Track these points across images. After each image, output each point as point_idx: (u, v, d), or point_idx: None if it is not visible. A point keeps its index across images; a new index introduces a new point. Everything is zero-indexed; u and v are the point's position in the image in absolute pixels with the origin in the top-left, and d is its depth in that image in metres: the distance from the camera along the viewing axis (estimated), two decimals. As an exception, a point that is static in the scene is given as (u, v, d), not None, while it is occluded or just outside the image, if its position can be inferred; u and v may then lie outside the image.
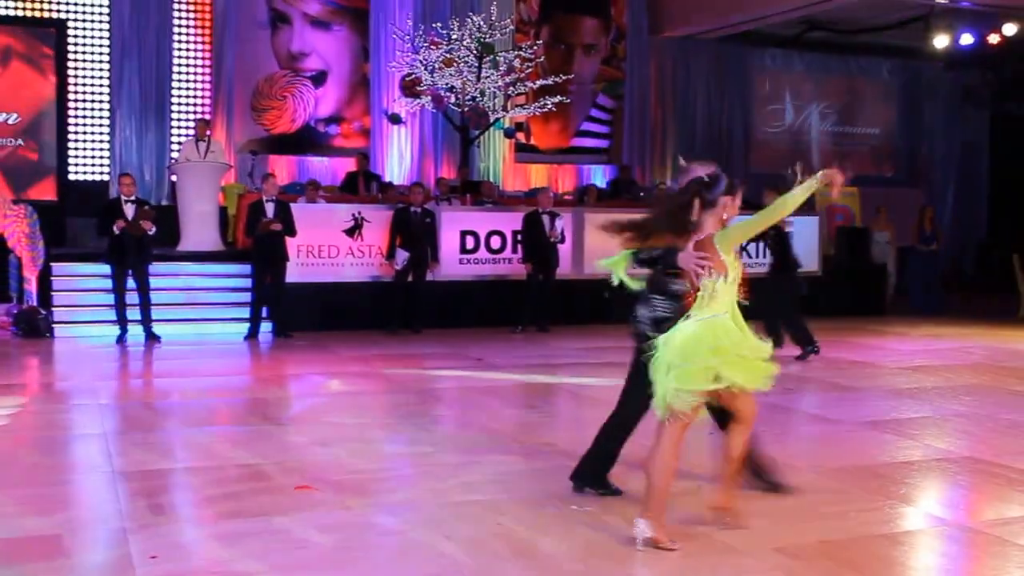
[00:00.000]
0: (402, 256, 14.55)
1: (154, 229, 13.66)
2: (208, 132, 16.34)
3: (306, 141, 19.58)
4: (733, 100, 22.70)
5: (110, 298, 13.96)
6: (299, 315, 14.36)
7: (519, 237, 15.34)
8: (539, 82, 18.74)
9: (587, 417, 9.53)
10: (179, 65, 18.59)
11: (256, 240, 14.10)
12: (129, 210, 13.57)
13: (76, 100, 17.99)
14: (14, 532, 5.74)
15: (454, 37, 18.17)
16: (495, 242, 15.68)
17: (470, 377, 11.35)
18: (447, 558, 5.26)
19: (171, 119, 18.48)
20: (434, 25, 18.51)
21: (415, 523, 5.83)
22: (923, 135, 24.87)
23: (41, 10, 17.83)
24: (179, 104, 18.60)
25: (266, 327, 14.27)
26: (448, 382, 11.27)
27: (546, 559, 5.25)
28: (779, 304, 12.25)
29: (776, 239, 12.23)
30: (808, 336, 12.45)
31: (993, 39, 20.33)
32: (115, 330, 13.71)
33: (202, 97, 18.66)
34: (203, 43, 18.73)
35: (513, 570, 5.11)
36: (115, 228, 13.42)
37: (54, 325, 14.03)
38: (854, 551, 5.38)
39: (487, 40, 18.19)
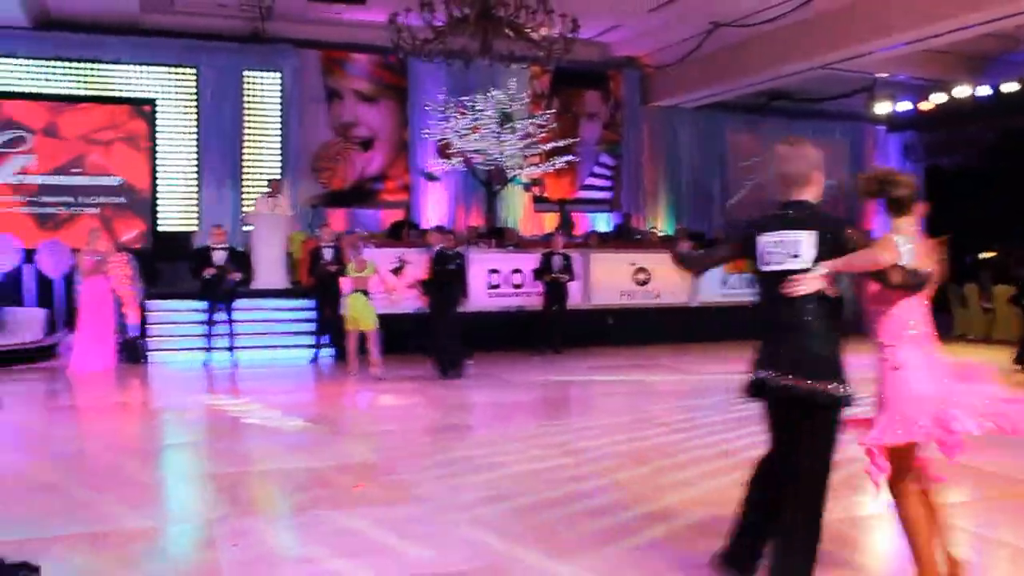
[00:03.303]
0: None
1: (240, 276, 13.76)
2: (276, 189, 16.35)
3: (357, 196, 19.59)
4: (712, 158, 22.62)
5: (197, 329, 13.97)
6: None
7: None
8: (551, 144, 18.75)
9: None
10: (251, 133, 18.61)
11: (317, 279, 14.10)
12: (218, 256, 13.64)
13: (165, 164, 18.04)
14: (119, 525, 5.76)
15: (479, 108, 18.22)
16: (516, 278, 15.68)
17: (496, 389, 11.30)
18: (465, 547, 5.20)
19: (243, 179, 18.45)
20: (462, 98, 18.56)
21: (438, 518, 5.79)
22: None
23: (137, 89, 17.93)
24: (251, 166, 18.59)
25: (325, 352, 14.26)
26: (481, 395, 11.21)
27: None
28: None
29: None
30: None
31: (925, 106, 20.59)
32: (201, 356, 13.72)
33: (271, 160, 18.66)
34: (272, 115, 18.75)
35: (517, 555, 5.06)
36: (205, 274, 13.51)
37: (150, 352, 14.05)
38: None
39: (507, 110, 18.23)
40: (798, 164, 4.19)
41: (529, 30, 15.53)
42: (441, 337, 12.30)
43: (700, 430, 8.85)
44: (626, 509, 6.03)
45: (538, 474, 6.99)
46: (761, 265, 4.20)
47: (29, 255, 15.54)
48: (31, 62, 17.27)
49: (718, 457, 7.59)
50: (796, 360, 4.03)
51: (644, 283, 16.74)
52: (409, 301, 13.39)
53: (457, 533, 5.51)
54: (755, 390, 4.18)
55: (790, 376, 4.02)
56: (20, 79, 17.27)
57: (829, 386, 4.00)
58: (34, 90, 17.33)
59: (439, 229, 14.18)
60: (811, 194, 4.18)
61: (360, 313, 12.31)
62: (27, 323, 14.12)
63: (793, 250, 4.07)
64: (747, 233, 4.26)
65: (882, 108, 21.44)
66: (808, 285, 4.01)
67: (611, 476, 6.92)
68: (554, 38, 15.70)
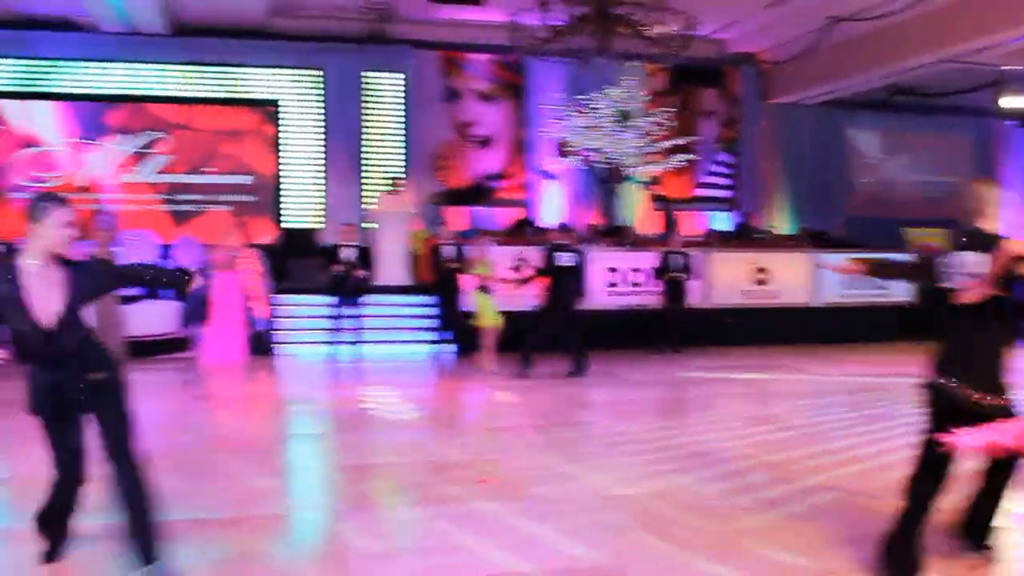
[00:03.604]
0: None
1: (365, 273, 13.88)
2: (400, 187, 16.52)
3: (475, 194, 19.69)
4: (832, 155, 22.08)
5: (322, 323, 14.16)
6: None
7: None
8: (668, 142, 18.53)
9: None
10: (373, 133, 18.87)
11: (438, 276, 14.17)
12: (347, 253, 13.80)
13: (291, 163, 18.48)
14: (249, 512, 5.89)
15: (597, 107, 18.11)
16: (635, 276, 15.51)
17: (614, 389, 11.18)
18: (596, 540, 5.13)
19: (366, 177, 18.73)
20: (579, 97, 18.47)
21: (564, 511, 5.72)
22: (997, 181, 23.83)
23: (264, 91, 18.42)
24: (373, 164, 18.85)
25: (446, 348, 14.32)
26: (600, 393, 11.11)
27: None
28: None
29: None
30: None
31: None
32: (326, 349, 13.88)
33: (394, 158, 18.87)
34: (394, 116, 18.97)
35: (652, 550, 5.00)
36: (333, 270, 13.69)
37: (278, 345, 14.32)
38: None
39: (624, 108, 18.09)
40: (972, 200, 4.84)
41: (646, 28, 15.40)
42: (546, 333, 12.17)
43: (819, 429, 8.68)
44: (744, 506, 5.99)
45: (658, 471, 6.94)
46: (940, 283, 4.84)
47: (166, 250, 16.07)
48: (167, 67, 17.93)
49: (835, 453, 7.49)
50: (968, 370, 4.61)
51: (764, 283, 16.37)
52: (528, 298, 13.35)
53: (581, 528, 5.49)
54: (930, 392, 4.74)
55: (963, 386, 4.59)
56: (158, 83, 17.92)
57: (997, 398, 4.57)
58: (170, 93, 17.95)
59: (562, 227, 14.13)
60: (985, 223, 4.76)
61: (482, 310, 12.38)
62: (163, 315, 14.51)
63: (962, 269, 4.71)
64: (932, 258, 4.92)
65: (1010, 102, 20.57)
66: (971, 293, 4.58)
67: (729, 473, 6.86)
68: (671, 35, 15.54)
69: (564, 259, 12.24)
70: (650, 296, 15.29)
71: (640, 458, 7.29)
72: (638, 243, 17.15)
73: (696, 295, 15.35)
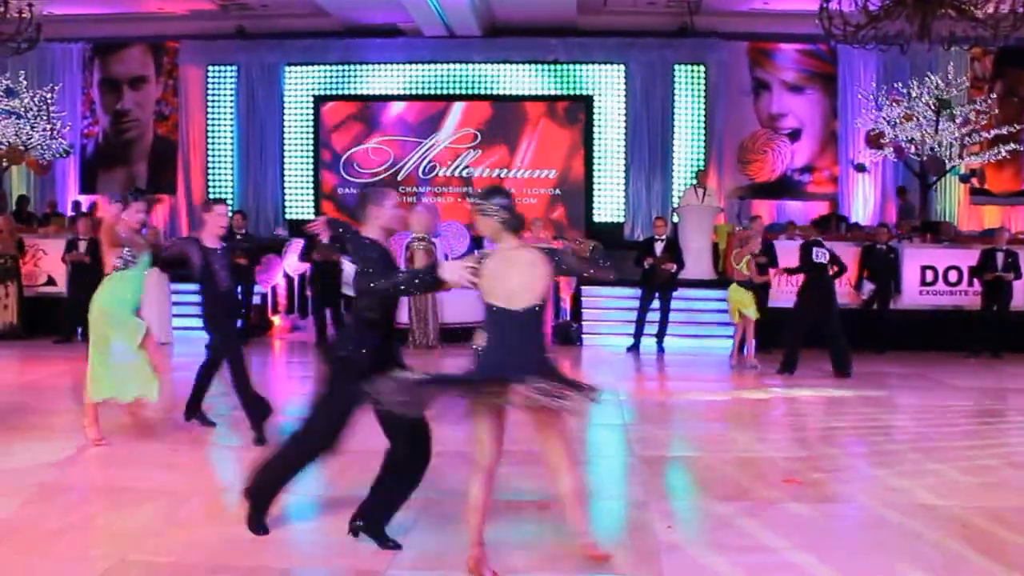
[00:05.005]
0: (868, 287, 14.09)
1: (673, 267, 14.06)
2: (702, 181, 16.61)
3: (783, 188, 19.41)
4: None
5: (626, 315, 14.50)
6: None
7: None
8: (993, 132, 17.46)
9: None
10: (678, 127, 19.04)
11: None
12: (659, 246, 14.06)
13: (599, 157, 19.01)
14: (555, 495, 6.10)
15: (913, 95, 17.37)
16: (952, 275, 14.81)
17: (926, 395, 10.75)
18: (913, 552, 5.07)
19: (672, 171, 18.95)
20: (895, 85, 17.77)
21: (876, 520, 5.67)
22: None
23: (573, 87, 19.06)
24: (678, 158, 19.03)
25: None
26: (911, 397, 10.73)
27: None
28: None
29: None
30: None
31: None
32: (629, 341, 14.17)
33: (697, 152, 18.97)
34: (698, 109, 19.06)
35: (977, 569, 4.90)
36: (644, 263, 13.99)
37: (583, 335, 14.83)
38: None
39: (944, 96, 17.24)
40: None
41: (973, 8, 14.61)
42: (799, 332, 11.91)
43: None
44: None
45: (978, 485, 6.62)
46: None
47: (478, 242, 17.00)
48: (482, 66, 19.01)
49: None
50: None
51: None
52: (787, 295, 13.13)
53: (891, 540, 5.33)
54: None
55: None
56: (472, 82, 19.04)
57: None
58: (484, 91, 18.99)
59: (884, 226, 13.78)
60: None
61: (736, 303, 12.35)
62: (473, 304, 15.38)
63: None
64: None
65: None
66: None
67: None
68: (1002, 15, 14.66)
69: (821, 255, 11.93)
70: (967, 296, 14.56)
71: (960, 477, 6.89)
72: (957, 240, 16.34)
73: (1021, 297, 14.42)
